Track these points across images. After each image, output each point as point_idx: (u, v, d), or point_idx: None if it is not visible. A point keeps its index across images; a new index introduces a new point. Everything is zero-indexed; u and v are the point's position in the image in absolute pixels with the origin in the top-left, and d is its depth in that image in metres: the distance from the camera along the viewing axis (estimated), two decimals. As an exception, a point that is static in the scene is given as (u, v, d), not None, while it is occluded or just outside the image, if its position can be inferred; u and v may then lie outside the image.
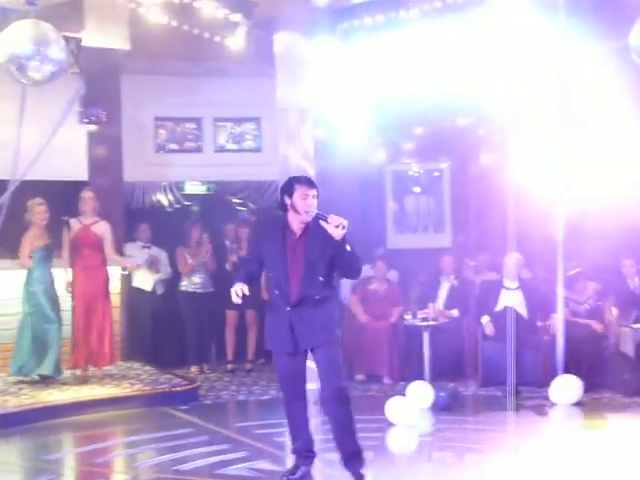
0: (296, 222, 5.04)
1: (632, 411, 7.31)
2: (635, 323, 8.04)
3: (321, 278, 5.00)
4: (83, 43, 8.40)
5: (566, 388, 7.54)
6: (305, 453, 5.27)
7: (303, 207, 4.96)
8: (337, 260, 4.98)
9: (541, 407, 7.46)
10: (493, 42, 8.52)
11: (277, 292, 5.05)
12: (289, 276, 5.00)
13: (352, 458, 5.05)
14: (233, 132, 10.91)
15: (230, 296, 9.66)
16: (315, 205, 4.98)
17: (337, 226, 4.83)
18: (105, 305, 8.35)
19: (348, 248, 4.93)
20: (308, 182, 5.04)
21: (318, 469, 5.40)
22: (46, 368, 8.04)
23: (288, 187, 5.04)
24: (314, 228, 4.99)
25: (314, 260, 4.97)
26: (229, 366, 9.55)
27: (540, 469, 5.56)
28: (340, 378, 5.12)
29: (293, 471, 5.24)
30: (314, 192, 5.00)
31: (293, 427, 5.28)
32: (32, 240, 8.07)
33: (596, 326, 8.31)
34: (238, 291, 5.07)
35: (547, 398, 7.59)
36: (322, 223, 4.88)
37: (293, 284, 4.99)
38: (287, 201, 5.02)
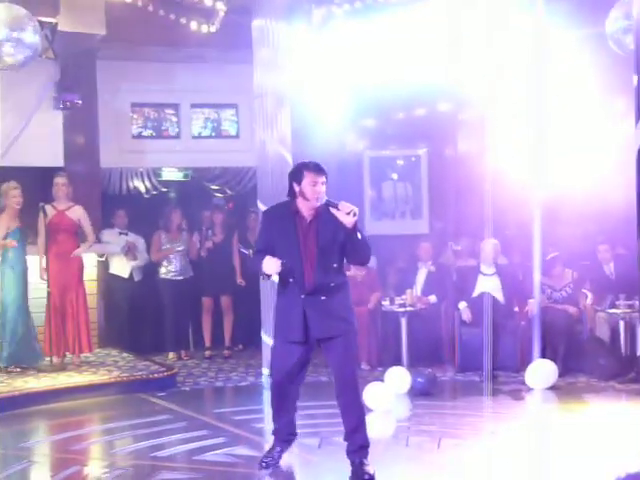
0: (305, 208, 4.93)
1: (607, 395, 7.38)
2: (610, 308, 8.11)
3: (335, 264, 4.93)
4: (58, 28, 8.31)
5: (542, 373, 7.60)
6: (286, 436, 5.22)
7: (312, 194, 4.86)
8: (347, 247, 4.89)
9: (518, 392, 7.52)
10: (471, 28, 8.54)
11: (292, 280, 4.91)
12: (303, 263, 4.89)
13: (359, 450, 5.00)
14: (210, 118, 10.88)
15: (204, 283, 9.70)
16: (324, 192, 4.89)
17: (348, 213, 4.75)
18: (79, 291, 8.28)
19: (359, 236, 4.86)
20: (317, 168, 4.91)
21: (296, 454, 5.42)
22: (31, 359, 8.00)
23: (296, 173, 4.94)
24: (324, 213, 4.90)
25: (327, 246, 4.88)
26: (207, 352, 9.54)
27: (517, 453, 5.61)
28: (355, 369, 5.07)
29: (271, 454, 5.19)
30: (323, 179, 4.89)
31: (280, 409, 5.19)
32: (6, 223, 7.99)
33: (572, 310, 8.37)
34: (276, 264, 4.84)
35: (524, 383, 7.65)
36: (332, 210, 4.79)
37: (307, 271, 4.89)
38: (295, 188, 4.92)
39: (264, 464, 5.15)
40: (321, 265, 4.88)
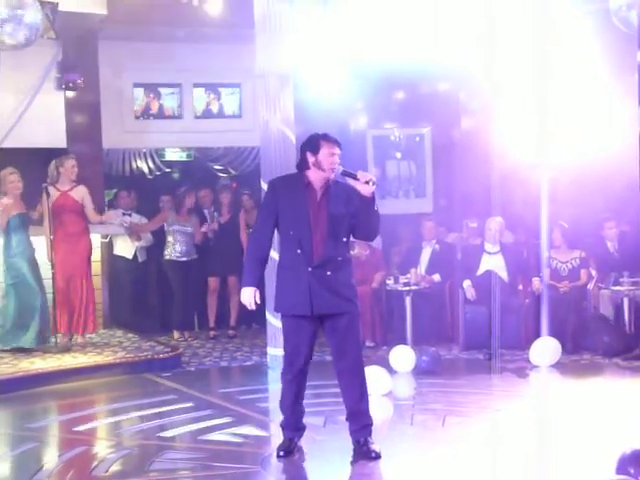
0: (318, 180, 4.87)
1: (610, 372, 7.41)
2: (614, 285, 8.10)
3: (344, 238, 4.89)
4: (59, 7, 8.27)
5: (546, 350, 7.62)
6: (296, 425, 5.11)
7: (329, 165, 4.81)
8: (359, 220, 4.84)
9: (522, 369, 7.53)
10: (474, 5, 8.48)
11: (299, 251, 4.83)
12: (312, 235, 4.82)
13: (363, 429, 4.99)
14: (213, 98, 10.84)
15: (211, 263, 9.70)
16: (339, 163, 4.84)
17: (367, 182, 4.70)
18: (87, 272, 8.26)
19: (375, 207, 4.80)
20: (334, 139, 4.88)
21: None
22: (27, 341, 7.96)
23: (312, 144, 4.87)
24: (335, 186, 4.87)
25: (338, 218, 4.83)
26: (211, 333, 9.55)
27: (521, 431, 5.63)
28: (359, 349, 5.01)
29: (285, 446, 5.06)
30: (339, 150, 4.86)
31: (287, 400, 5.06)
32: (8, 209, 7.93)
33: (577, 283, 8.38)
34: (252, 301, 4.91)
35: (528, 360, 7.66)
36: (349, 180, 4.74)
37: (317, 243, 4.82)
38: (310, 158, 4.85)
39: (281, 453, 5.02)
40: (331, 239, 4.83)
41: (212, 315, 9.65)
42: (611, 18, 7.22)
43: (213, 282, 9.59)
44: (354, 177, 4.75)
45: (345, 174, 4.79)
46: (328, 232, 4.84)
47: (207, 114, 10.80)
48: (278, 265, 5.05)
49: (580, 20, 8.19)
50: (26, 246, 8.02)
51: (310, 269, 4.82)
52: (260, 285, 5.05)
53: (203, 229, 9.46)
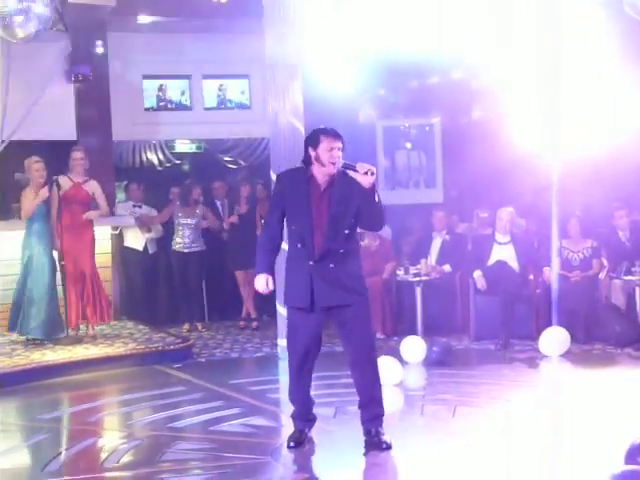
0: (321, 174, 4.87)
1: (622, 362, 7.38)
2: (626, 275, 8.07)
3: (346, 231, 4.87)
4: (68, 0, 8.29)
5: (554, 340, 7.59)
6: (306, 416, 5.14)
7: (328, 159, 4.81)
8: (363, 211, 4.83)
9: (532, 359, 7.51)
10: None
11: (300, 245, 4.87)
12: (314, 229, 4.84)
13: (374, 419, 5.00)
14: (222, 89, 10.83)
15: (232, 257, 9.65)
16: (340, 157, 4.83)
17: (366, 173, 4.69)
18: (94, 262, 8.28)
19: (376, 197, 4.79)
20: (334, 134, 4.86)
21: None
22: (36, 331, 7.99)
23: (313, 138, 4.87)
24: (339, 180, 4.86)
25: (340, 214, 4.83)
26: (254, 323, 9.43)
27: (532, 420, 5.62)
28: (371, 339, 5.01)
29: (296, 436, 5.08)
30: (339, 144, 4.84)
31: (296, 390, 5.10)
32: (33, 197, 7.96)
33: (589, 272, 8.34)
34: (265, 287, 4.95)
35: (539, 350, 7.64)
36: (350, 173, 4.74)
37: (317, 237, 4.83)
38: (311, 153, 4.86)
39: (292, 444, 5.05)
40: (332, 232, 4.83)
41: (250, 305, 9.49)
42: (623, 8, 7.16)
43: (240, 275, 9.46)
44: (354, 169, 4.75)
45: (345, 167, 4.80)
46: (329, 226, 4.84)
47: (217, 105, 10.79)
48: (286, 257, 5.08)
49: (592, 10, 8.13)
50: (46, 234, 8.02)
51: (311, 262, 4.85)
52: (273, 272, 5.06)
53: (225, 226, 9.45)
